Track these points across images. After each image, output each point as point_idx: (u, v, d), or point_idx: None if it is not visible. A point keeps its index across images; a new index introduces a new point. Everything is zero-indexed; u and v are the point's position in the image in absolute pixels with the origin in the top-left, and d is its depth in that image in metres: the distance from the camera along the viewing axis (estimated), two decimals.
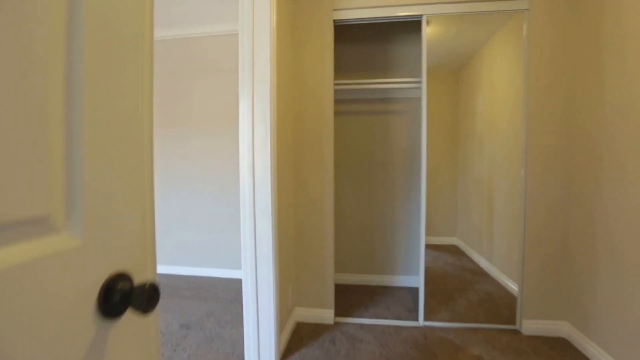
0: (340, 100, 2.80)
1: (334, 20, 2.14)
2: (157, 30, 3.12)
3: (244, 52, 1.60)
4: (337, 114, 2.80)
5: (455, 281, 2.94)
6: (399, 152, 2.81)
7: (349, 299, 2.56)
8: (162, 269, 3.25)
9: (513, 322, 2.19)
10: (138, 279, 0.49)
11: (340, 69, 2.77)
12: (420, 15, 2.17)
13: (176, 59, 3.15)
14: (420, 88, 2.42)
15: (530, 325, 2.09)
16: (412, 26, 2.72)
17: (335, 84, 2.46)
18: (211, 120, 3.10)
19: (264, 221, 1.63)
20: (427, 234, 2.85)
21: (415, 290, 2.76)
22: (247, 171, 1.63)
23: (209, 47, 3.08)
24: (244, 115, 1.63)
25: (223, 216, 3.09)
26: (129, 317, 0.47)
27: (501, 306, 2.47)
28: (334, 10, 2.13)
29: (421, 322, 2.22)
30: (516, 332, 2.11)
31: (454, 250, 4.21)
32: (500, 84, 2.97)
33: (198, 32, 3.07)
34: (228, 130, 3.04)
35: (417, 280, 2.82)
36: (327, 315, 2.18)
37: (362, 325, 2.16)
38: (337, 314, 2.28)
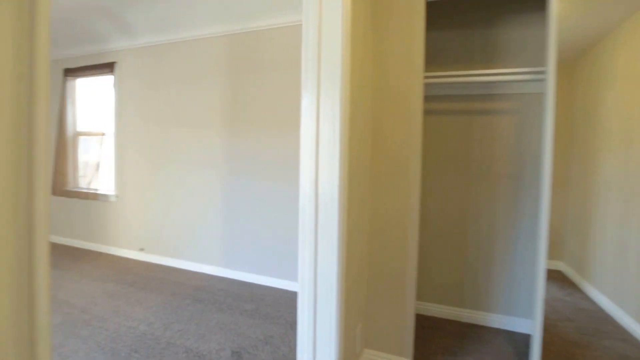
0: (429, 97, 2.31)
1: None
2: (221, 25, 2.98)
3: (308, 38, 1.26)
4: (425, 113, 2.32)
5: (572, 330, 2.27)
6: (503, 161, 2.23)
7: (431, 338, 2.10)
8: (227, 273, 3.16)
9: None
10: None
11: (429, 59, 2.28)
12: None
13: (240, 54, 2.97)
14: (542, 80, 1.82)
15: None
16: (526, 1, 2.11)
17: (426, 77, 2.00)
18: (278, 119, 2.86)
19: (328, 247, 1.29)
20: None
21: (519, 337, 2.16)
22: (308, 183, 1.30)
23: (274, 40, 2.84)
24: (306, 114, 1.29)
25: (294, 223, 2.85)
26: None
27: None
28: None
29: None
30: None
31: (559, 279, 3.39)
32: None
33: (263, 25, 2.86)
34: (296, 128, 2.77)
35: (522, 324, 2.22)
36: None
37: None
38: None
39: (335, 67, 1.25)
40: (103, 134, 3.85)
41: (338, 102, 1.25)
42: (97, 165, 3.94)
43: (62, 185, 3.93)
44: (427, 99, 2.29)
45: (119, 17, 3.20)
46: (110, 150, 3.73)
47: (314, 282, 1.31)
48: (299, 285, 1.34)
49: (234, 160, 3.06)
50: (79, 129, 3.99)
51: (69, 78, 3.84)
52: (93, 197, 3.80)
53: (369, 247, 1.83)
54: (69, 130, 3.92)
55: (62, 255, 3.72)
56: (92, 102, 3.94)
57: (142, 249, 3.56)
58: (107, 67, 3.58)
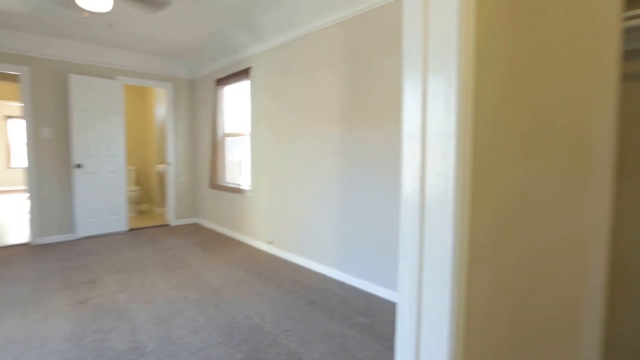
0: (632, 52, 1.48)
1: None
2: (333, 12, 2.80)
3: None
4: (624, 79, 1.52)
5: None
6: None
7: None
8: (345, 277, 3.00)
9: None
10: None
11: None
12: None
13: (354, 40, 2.72)
14: None
15: None
16: None
17: (628, 19, 1.26)
18: (398, 106, 2.49)
19: (436, 275, 0.88)
20: None
21: None
22: (410, 189, 0.92)
23: (387, 20, 2.46)
24: (409, 98, 0.92)
25: None
26: None
27: None
28: None
29: None
30: None
31: None
32: None
33: (373, 4, 2.54)
34: None
35: None
36: None
37: None
38: None
39: (450, 18, 0.83)
40: (243, 135, 4.32)
41: (454, 76, 0.83)
42: (239, 162, 4.45)
43: (215, 180, 4.62)
44: (630, 55, 1.47)
45: (250, 23, 3.46)
46: (247, 148, 4.14)
47: (417, 319, 0.93)
48: (397, 321, 0.99)
49: (351, 154, 2.86)
50: (226, 130, 4.61)
51: (219, 87, 4.48)
52: (237, 191, 4.31)
53: (513, 274, 1.27)
54: (220, 133, 4.57)
55: (213, 239, 4.36)
56: (235, 106, 4.47)
57: (270, 242, 3.80)
58: (244, 73, 3.98)
